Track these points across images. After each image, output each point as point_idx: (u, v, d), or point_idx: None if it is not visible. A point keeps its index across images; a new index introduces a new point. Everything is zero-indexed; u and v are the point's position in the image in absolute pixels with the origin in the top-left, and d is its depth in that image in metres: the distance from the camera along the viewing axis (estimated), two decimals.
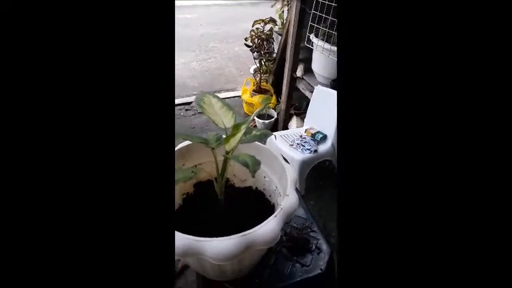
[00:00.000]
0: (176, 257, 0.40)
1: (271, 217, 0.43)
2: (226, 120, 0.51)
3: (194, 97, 2.71)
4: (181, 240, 0.39)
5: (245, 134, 0.50)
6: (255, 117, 1.99)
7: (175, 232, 0.40)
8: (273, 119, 1.97)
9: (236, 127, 0.47)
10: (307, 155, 1.29)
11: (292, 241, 0.66)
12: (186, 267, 1.14)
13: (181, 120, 2.24)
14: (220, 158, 0.52)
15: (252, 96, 2.12)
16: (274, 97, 2.10)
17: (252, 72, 2.24)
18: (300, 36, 1.58)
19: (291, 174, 0.52)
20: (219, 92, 2.70)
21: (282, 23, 2.21)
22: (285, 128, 1.90)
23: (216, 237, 0.40)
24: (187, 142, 0.59)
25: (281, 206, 0.45)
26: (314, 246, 0.65)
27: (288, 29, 1.73)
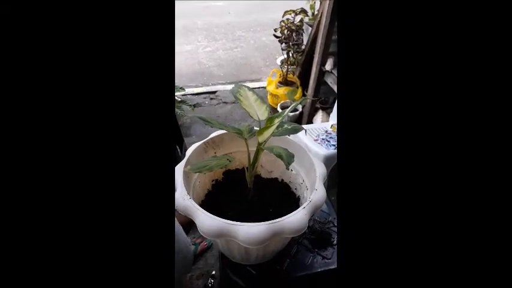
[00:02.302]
0: (210, 238, 0.43)
1: (300, 208, 0.45)
2: (260, 112, 0.53)
3: (219, 86, 2.74)
4: (216, 222, 0.42)
5: (277, 127, 0.51)
6: (279, 109, 1.99)
7: (210, 214, 0.43)
8: (298, 112, 1.96)
9: (270, 120, 0.49)
10: (331, 150, 1.28)
11: (315, 234, 0.67)
12: (205, 250, 1.20)
13: (206, 109, 2.29)
14: (252, 149, 0.54)
15: (277, 88, 2.11)
16: (300, 90, 2.08)
17: (279, 64, 2.23)
18: (332, 28, 1.54)
19: (320, 168, 0.53)
20: (244, 82, 2.72)
21: (313, 14, 2.15)
22: (310, 122, 1.88)
23: (244, 222, 0.42)
24: (220, 131, 0.62)
25: (310, 199, 0.46)
26: (336, 241, 0.67)
27: (319, 21, 1.68)
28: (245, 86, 0.57)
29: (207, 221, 0.43)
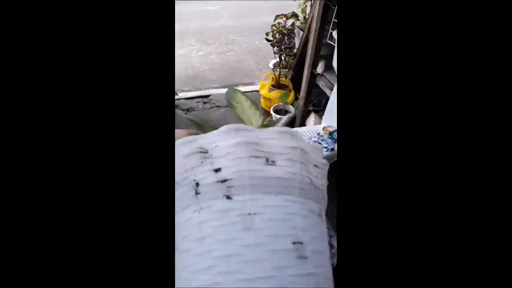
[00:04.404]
0: None
1: None
2: (254, 119, 0.54)
3: (213, 90, 2.74)
4: None
5: None
6: (272, 112, 2.01)
7: None
8: (291, 115, 1.98)
9: (264, 127, 0.50)
10: (323, 153, 1.30)
11: None
12: None
13: (200, 113, 2.30)
14: None
15: (270, 91, 2.13)
16: (292, 93, 2.10)
17: (272, 67, 2.25)
18: (322, 32, 1.57)
19: None
20: (237, 85, 2.73)
21: (304, 17, 2.18)
22: (302, 124, 1.91)
23: None
24: None
25: None
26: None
27: (310, 25, 1.71)
28: (238, 91, 0.58)
29: None
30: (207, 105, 2.41)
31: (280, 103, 2.02)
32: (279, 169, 0.28)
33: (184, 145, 0.29)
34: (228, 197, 0.25)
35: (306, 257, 0.25)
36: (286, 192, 0.27)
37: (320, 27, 1.55)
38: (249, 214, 0.25)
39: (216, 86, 2.74)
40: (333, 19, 1.44)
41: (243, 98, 0.57)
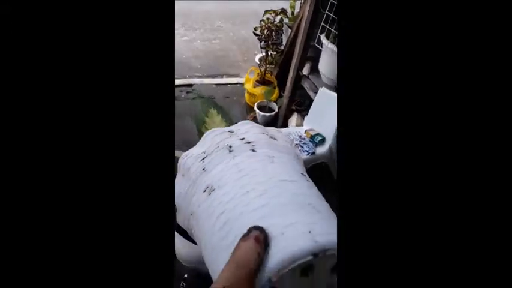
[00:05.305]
0: (190, 265, 0.45)
1: None
2: None
3: (196, 79, 2.65)
4: (197, 252, 0.44)
5: None
6: (256, 109, 2.01)
7: (189, 242, 0.45)
8: (274, 113, 2.00)
9: None
10: (304, 156, 1.34)
11: None
12: None
13: (182, 103, 2.24)
14: None
15: (255, 87, 2.12)
16: (277, 90, 2.10)
17: (258, 62, 2.23)
18: (311, 34, 1.57)
19: None
20: (222, 76, 2.68)
21: (293, 13, 2.16)
22: (285, 124, 1.93)
23: None
24: None
25: None
26: None
27: (299, 24, 1.70)
28: (213, 109, 0.58)
29: (185, 249, 0.44)
30: (190, 95, 2.35)
31: (265, 100, 2.02)
32: (280, 142, 0.42)
33: (215, 130, 0.43)
34: (253, 150, 0.39)
35: (311, 182, 0.39)
36: (288, 154, 0.41)
37: (309, 28, 1.55)
38: (270, 156, 0.38)
39: (200, 74, 2.67)
40: (321, 23, 1.44)
41: (216, 116, 0.58)
